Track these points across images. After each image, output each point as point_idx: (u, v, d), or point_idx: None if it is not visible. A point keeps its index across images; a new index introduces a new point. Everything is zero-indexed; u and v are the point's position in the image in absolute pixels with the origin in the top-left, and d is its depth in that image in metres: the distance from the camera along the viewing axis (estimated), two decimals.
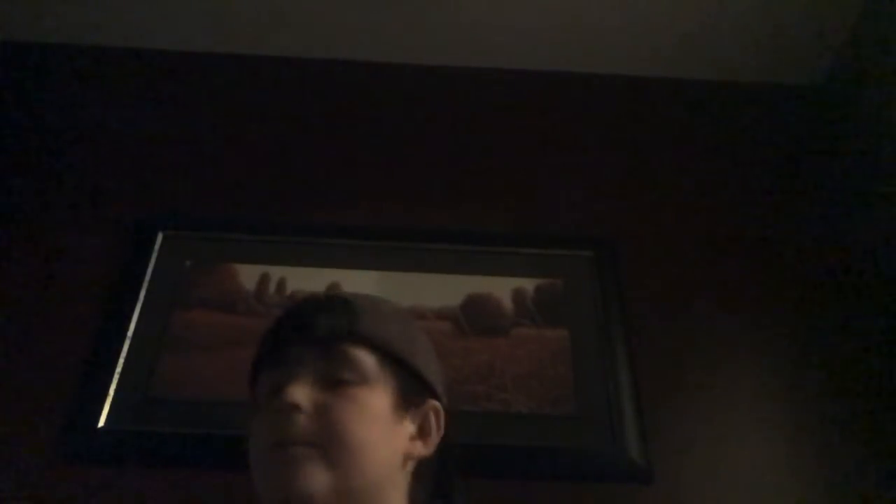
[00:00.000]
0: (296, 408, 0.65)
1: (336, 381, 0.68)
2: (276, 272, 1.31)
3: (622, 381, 1.22)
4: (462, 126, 1.58)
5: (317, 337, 0.70)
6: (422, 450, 0.71)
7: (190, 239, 1.35)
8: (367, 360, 0.70)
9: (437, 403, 0.75)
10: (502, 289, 1.31)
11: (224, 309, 1.26)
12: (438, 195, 1.46)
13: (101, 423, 1.13)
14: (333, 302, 0.75)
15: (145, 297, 1.27)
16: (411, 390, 0.73)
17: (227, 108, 1.58)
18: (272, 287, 1.30)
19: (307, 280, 1.30)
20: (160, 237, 1.34)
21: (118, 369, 1.18)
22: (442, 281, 1.31)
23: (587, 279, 1.34)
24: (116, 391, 1.16)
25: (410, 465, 0.71)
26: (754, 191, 1.52)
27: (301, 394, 0.66)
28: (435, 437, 0.73)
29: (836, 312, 1.36)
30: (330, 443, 0.64)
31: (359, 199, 1.44)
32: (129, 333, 1.22)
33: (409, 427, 0.71)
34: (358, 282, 1.29)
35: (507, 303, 1.30)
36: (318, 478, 0.63)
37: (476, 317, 1.28)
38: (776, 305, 1.36)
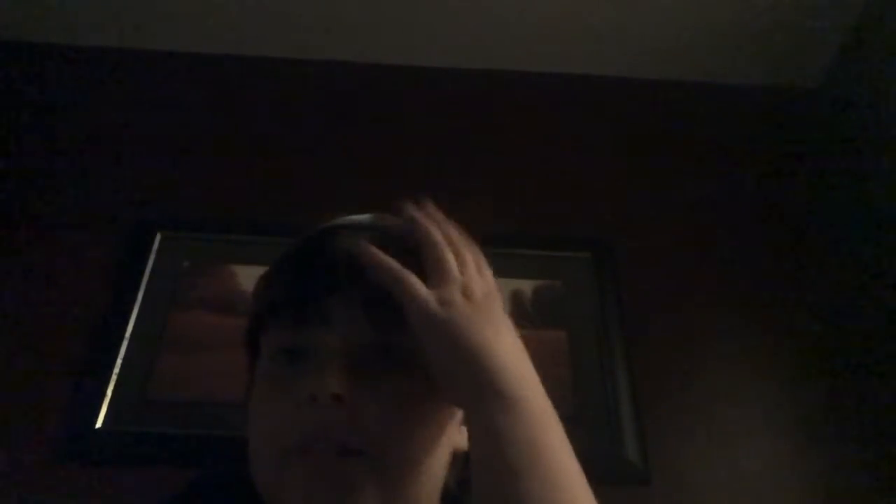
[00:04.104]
0: (336, 399, 0.47)
1: (386, 353, 0.51)
2: None
3: (620, 383, 1.22)
4: (461, 127, 1.58)
5: (365, 293, 0.50)
6: (464, 442, 0.53)
7: (188, 239, 1.35)
8: None
9: None
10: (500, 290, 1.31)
11: (222, 310, 1.26)
12: (437, 196, 1.45)
13: (99, 424, 1.13)
14: (387, 235, 0.55)
15: (143, 297, 1.27)
16: None
17: (227, 109, 1.58)
18: None
19: None
20: (159, 237, 1.34)
21: (116, 370, 1.18)
22: None
23: (585, 281, 1.34)
24: (114, 392, 1.16)
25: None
26: (753, 192, 1.52)
27: (342, 378, 0.48)
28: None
29: (835, 313, 1.36)
30: (383, 453, 0.48)
31: (357, 200, 1.44)
32: (128, 334, 1.22)
33: (458, 413, 0.54)
34: None
35: (506, 305, 1.29)
36: (366, 502, 0.47)
37: None
38: (775, 306, 1.36)
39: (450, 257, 0.52)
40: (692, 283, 1.38)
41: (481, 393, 0.47)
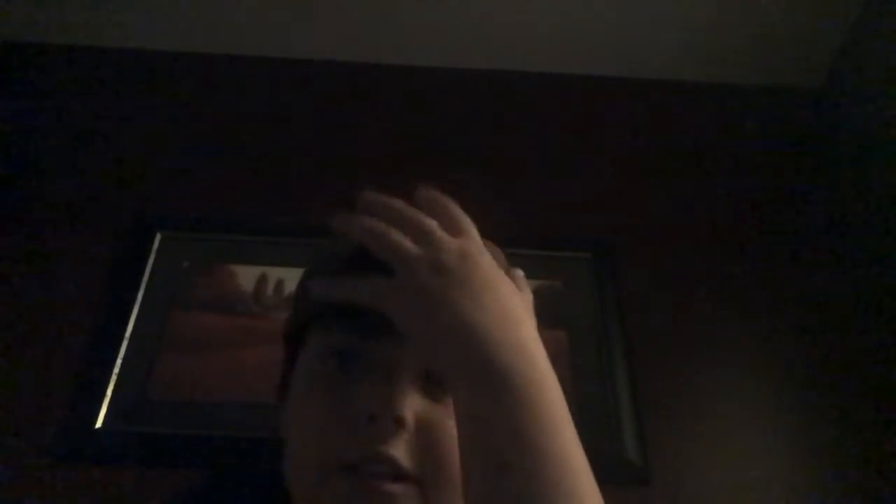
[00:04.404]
0: (400, 424, 0.46)
1: (441, 380, 0.47)
2: (274, 273, 1.31)
3: (620, 383, 1.22)
4: (461, 127, 1.58)
5: None
6: None
7: (188, 240, 1.35)
8: None
9: None
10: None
11: (222, 310, 1.26)
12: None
13: (98, 424, 1.13)
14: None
15: (143, 297, 1.27)
16: None
17: (226, 109, 1.58)
18: (270, 288, 1.29)
19: None
20: (158, 238, 1.34)
21: (116, 370, 1.18)
22: None
23: (586, 281, 1.34)
24: (114, 392, 1.16)
25: None
26: (754, 193, 1.52)
27: (407, 403, 0.46)
28: None
29: (836, 313, 1.36)
30: (434, 479, 0.46)
31: (357, 201, 1.44)
32: (127, 334, 1.22)
33: None
34: None
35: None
36: None
37: None
38: (776, 307, 1.36)
39: (397, 240, 0.46)
40: (692, 283, 1.38)
41: (461, 372, 0.42)
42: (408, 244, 0.46)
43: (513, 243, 1.38)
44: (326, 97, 1.61)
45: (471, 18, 1.59)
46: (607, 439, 1.16)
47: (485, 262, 0.47)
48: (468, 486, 0.41)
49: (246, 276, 1.31)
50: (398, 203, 0.50)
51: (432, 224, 0.48)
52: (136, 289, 1.27)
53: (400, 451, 0.45)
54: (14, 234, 1.35)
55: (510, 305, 0.45)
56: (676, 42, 1.62)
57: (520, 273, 0.54)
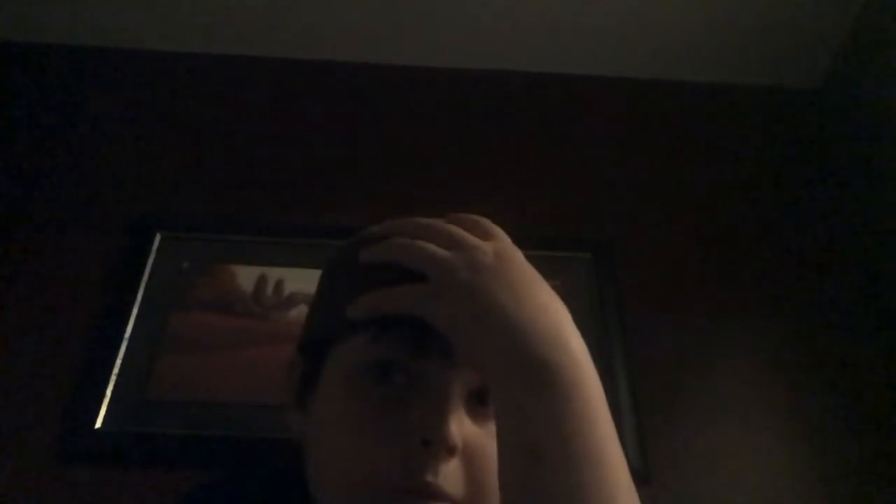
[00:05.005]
0: (452, 452, 0.45)
1: (481, 401, 0.48)
2: (273, 273, 1.31)
3: (620, 383, 1.22)
4: (461, 128, 1.58)
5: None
6: None
7: (188, 240, 1.35)
8: None
9: None
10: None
11: (222, 310, 1.26)
12: (437, 197, 1.46)
13: (98, 424, 1.13)
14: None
15: (143, 297, 1.27)
16: None
17: (226, 109, 1.58)
18: (270, 288, 1.29)
19: (305, 281, 1.30)
20: (158, 238, 1.34)
21: (115, 370, 1.18)
22: None
23: (585, 281, 1.34)
24: (114, 392, 1.16)
25: None
26: (753, 193, 1.52)
27: (459, 428, 0.45)
28: None
29: (836, 314, 1.36)
30: (476, 502, 0.46)
31: (357, 201, 1.44)
32: (127, 334, 1.22)
33: None
34: None
35: None
36: None
37: None
38: (775, 308, 1.36)
39: (430, 248, 0.47)
40: (692, 283, 1.38)
41: (502, 365, 0.42)
42: (441, 251, 0.47)
43: (513, 244, 1.40)
44: (326, 97, 1.61)
45: (471, 18, 1.59)
46: None
47: (519, 258, 0.48)
48: (502, 476, 0.41)
49: (246, 276, 1.31)
50: (423, 220, 0.51)
51: (461, 231, 0.49)
52: (136, 289, 1.27)
53: (447, 477, 0.45)
54: (14, 234, 1.35)
55: (548, 299, 0.46)
56: (676, 42, 1.62)
57: None
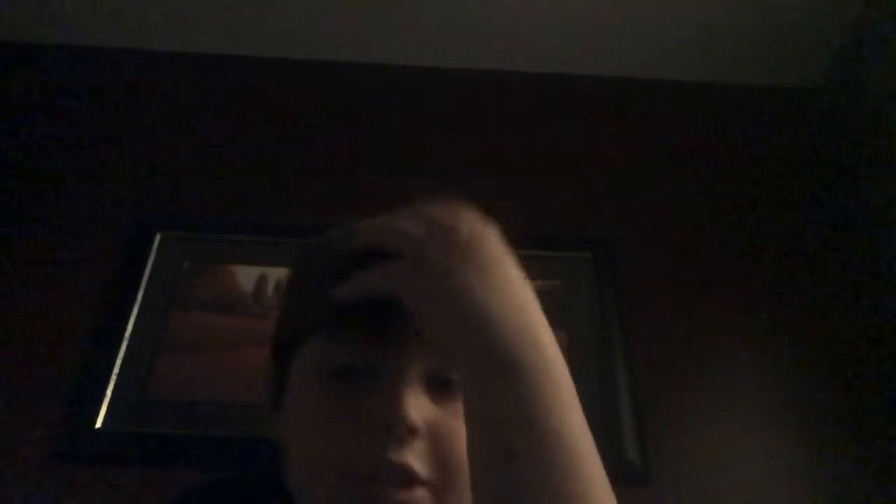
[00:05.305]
0: (413, 432, 0.45)
1: (443, 382, 0.48)
2: (273, 273, 1.31)
3: (620, 383, 1.22)
4: (461, 128, 1.58)
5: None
6: None
7: (188, 240, 1.35)
8: None
9: None
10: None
11: (222, 310, 1.26)
12: (437, 197, 1.46)
13: (98, 424, 1.13)
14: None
15: (143, 297, 1.27)
16: None
17: (227, 109, 1.58)
18: (270, 288, 1.29)
19: None
20: (158, 238, 1.34)
21: (116, 370, 1.18)
22: None
23: (585, 281, 1.34)
24: (114, 392, 1.16)
25: None
26: (753, 193, 1.52)
27: (418, 409, 0.46)
28: None
29: (836, 314, 1.36)
30: (447, 482, 0.46)
31: (357, 201, 1.44)
32: (127, 334, 1.22)
33: None
34: None
35: None
36: None
37: None
38: (775, 307, 1.36)
39: (404, 227, 0.47)
40: (692, 283, 1.38)
41: (467, 354, 0.42)
42: (414, 227, 0.47)
43: (512, 243, 1.40)
44: (326, 97, 1.62)
45: (471, 18, 1.59)
46: (607, 439, 1.16)
47: (493, 241, 0.48)
48: (472, 468, 0.41)
49: (246, 276, 1.31)
50: (400, 210, 0.50)
51: (436, 212, 0.48)
52: (136, 289, 1.27)
53: (414, 458, 0.45)
54: (14, 235, 1.35)
55: (517, 285, 0.45)
56: (676, 42, 1.62)
57: None
